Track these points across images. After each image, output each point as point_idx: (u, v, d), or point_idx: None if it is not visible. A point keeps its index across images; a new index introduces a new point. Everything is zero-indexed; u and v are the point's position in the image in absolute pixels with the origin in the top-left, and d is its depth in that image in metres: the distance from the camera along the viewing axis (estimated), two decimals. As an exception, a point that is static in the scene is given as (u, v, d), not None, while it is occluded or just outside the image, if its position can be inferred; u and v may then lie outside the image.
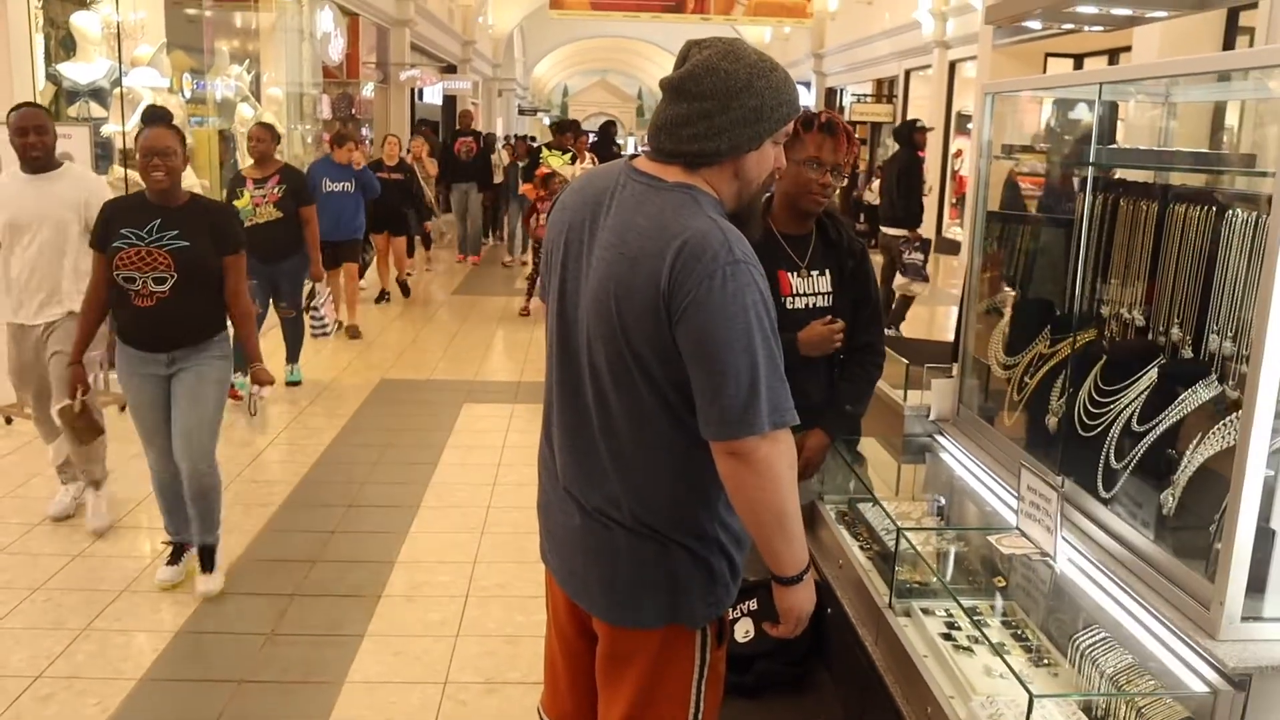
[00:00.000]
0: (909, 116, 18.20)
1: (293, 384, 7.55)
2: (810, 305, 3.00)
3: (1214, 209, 2.23)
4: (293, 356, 7.68)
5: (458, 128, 15.47)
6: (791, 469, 1.89)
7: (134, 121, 7.43)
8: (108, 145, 7.33)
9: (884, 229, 9.73)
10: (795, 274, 2.99)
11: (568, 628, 2.20)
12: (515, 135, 18.37)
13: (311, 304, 7.35)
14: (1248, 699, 1.86)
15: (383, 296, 10.99)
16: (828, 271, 3.02)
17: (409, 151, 12.34)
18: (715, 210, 1.92)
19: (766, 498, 1.87)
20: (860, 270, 3.06)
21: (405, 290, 11.32)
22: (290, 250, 7.00)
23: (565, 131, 12.25)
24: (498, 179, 14.98)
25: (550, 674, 2.32)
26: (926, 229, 11.56)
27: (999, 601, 2.64)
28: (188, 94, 9.09)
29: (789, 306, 2.95)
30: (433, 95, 19.53)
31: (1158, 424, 2.33)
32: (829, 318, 2.96)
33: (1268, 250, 1.86)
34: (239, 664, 3.64)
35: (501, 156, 15.51)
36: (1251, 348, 1.90)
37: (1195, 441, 2.17)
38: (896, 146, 10.14)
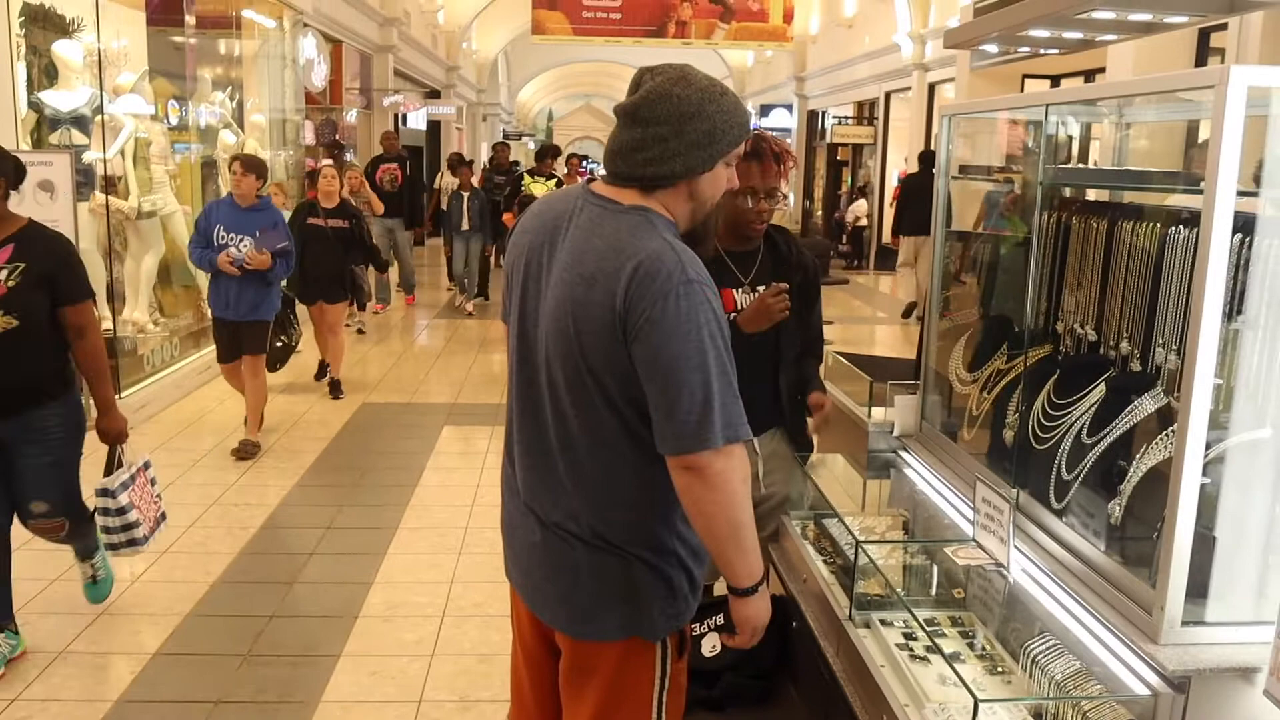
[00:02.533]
0: (887, 138, 18.39)
1: None
2: None
3: (1158, 225, 2.29)
4: None
5: (381, 150, 12.94)
6: (745, 483, 1.94)
7: (114, 150, 7.49)
8: (89, 173, 7.37)
9: None
10: (739, 290, 3.09)
11: (532, 642, 2.24)
12: (459, 156, 13.64)
13: (105, 489, 3.81)
14: (1187, 701, 1.91)
15: (324, 371, 8.41)
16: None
17: (345, 186, 9.04)
18: (669, 231, 1.98)
19: (721, 511, 1.91)
20: (808, 284, 3.21)
21: (336, 390, 8.02)
22: (41, 395, 3.59)
23: (545, 158, 12.28)
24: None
25: (516, 689, 2.35)
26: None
27: (958, 612, 2.69)
28: (174, 120, 9.14)
29: (732, 319, 3.02)
30: (416, 120, 19.63)
31: (1106, 435, 2.38)
32: (770, 286, 3.02)
33: (1198, 263, 1.92)
34: (215, 685, 3.66)
35: (446, 181, 13.07)
36: (1184, 355, 1.97)
37: (1141, 452, 2.23)
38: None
